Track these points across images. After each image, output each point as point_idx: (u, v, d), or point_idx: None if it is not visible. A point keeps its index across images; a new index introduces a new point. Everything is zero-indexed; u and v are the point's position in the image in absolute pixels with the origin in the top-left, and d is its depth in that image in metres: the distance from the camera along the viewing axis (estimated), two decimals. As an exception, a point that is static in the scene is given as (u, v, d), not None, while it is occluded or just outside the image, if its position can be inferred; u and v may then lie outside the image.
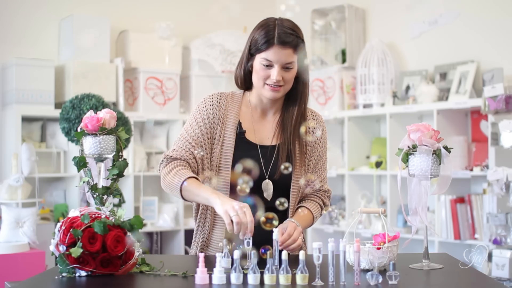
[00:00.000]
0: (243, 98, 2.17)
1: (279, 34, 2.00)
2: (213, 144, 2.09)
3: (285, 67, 2.02)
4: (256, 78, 2.07)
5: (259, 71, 2.04)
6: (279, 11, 5.57)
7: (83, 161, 1.83)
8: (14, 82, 4.25)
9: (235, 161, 2.05)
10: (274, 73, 2.01)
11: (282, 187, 2.09)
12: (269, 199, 2.06)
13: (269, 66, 2.02)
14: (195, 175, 2.00)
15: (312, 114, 2.20)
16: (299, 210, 2.13)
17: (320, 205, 2.19)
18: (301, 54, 2.05)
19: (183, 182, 1.96)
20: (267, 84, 2.04)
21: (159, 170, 2.08)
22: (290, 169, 2.03)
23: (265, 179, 2.07)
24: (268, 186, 2.07)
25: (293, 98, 2.12)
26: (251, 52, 2.07)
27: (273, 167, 2.08)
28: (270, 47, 2.00)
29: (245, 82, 2.15)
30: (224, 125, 2.10)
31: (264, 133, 2.13)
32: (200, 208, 2.11)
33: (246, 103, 2.16)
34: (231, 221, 1.80)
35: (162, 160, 2.08)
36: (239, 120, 2.12)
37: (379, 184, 4.75)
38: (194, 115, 2.12)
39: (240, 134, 2.10)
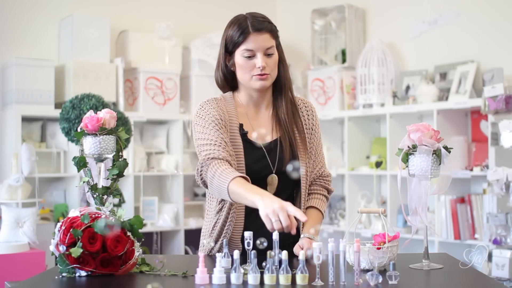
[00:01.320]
0: (234, 99, 2.15)
1: (252, 22, 2.04)
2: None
3: (267, 53, 2.04)
4: (241, 73, 2.07)
5: (243, 64, 2.05)
6: (279, 11, 5.58)
7: (83, 161, 1.83)
8: (14, 82, 4.25)
9: (246, 165, 2.03)
10: (259, 60, 2.03)
11: (290, 178, 2.05)
12: (272, 193, 2.04)
13: (251, 56, 2.04)
14: (239, 174, 1.90)
15: (303, 101, 2.22)
16: (310, 212, 2.12)
17: (325, 196, 2.19)
18: (277, 40, 2.09)
19: (228, 185, 1.86)
20: (254, 75, 2.05)
21: (201, 177, 2.00)
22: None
23: (272, 173, 2.07)
24: (273, 181, 2.07)
25: (279, 87, 2.14)
26: (228, 51, 2.08)
27: (280, 161, 2.08)
28: (248, 37, 2.03)
29: (227, 83, 2.15)
30: (229, 129, 2.07)
31: (263, 130, 2.13)
32: (221, 203, 2.05)
33: (239, 104, 2.15)
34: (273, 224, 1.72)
35: (202, 166, 1.98)
36: (239, 122, 2.11)
37: (379, 184, 4.75)
38: (200, 122, 2.05)
39: (243, 135, 2.09)
